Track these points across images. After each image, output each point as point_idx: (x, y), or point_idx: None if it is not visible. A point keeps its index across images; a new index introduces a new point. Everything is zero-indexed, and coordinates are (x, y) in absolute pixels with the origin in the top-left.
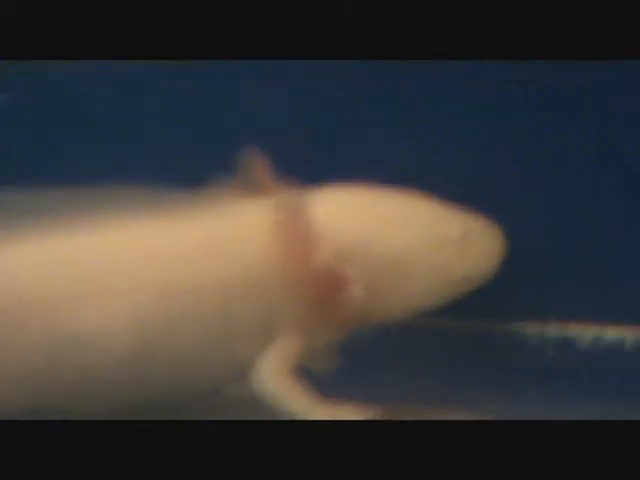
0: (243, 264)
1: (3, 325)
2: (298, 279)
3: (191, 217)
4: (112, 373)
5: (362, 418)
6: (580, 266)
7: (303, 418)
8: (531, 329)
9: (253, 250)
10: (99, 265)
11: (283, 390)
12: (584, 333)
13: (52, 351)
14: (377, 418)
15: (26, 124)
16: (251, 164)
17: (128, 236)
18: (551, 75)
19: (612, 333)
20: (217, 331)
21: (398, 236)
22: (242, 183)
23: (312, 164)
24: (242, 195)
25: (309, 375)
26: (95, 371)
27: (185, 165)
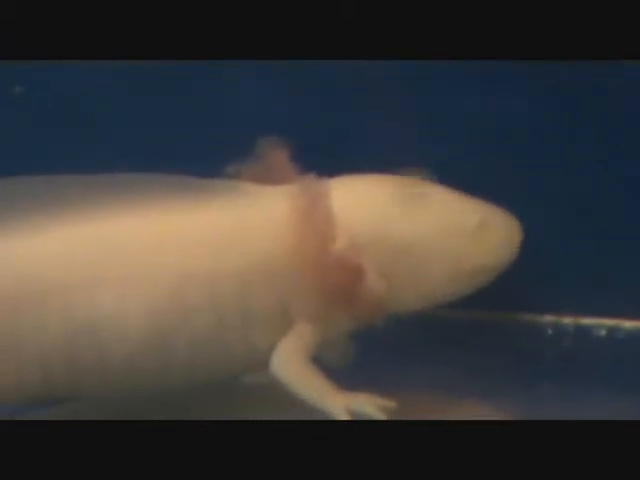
0: (260, 252)
1: (21, 311)
2: (315, 268)
3: (208, 205)
4: (128, 360)
5: (377, 407)
6: (594, 260)
7: (319, 406)
8: (547, 321)
9: (270, 238)
10: (115, 253)
11: (299, 378)
12: (599, 326)
13: (69, 337)
14: (391, 407)
15: (26, 124)
16: (270, 153)
17: (145, 224)
18: (551, 75)
19: (628, 326)
20: (234, 319)
21: (415, 226)
22: (260, 172)
23: (325, 158)
24: (260, 184)
25: (324, 365)
26: (111, 358)
27: (197, 157)
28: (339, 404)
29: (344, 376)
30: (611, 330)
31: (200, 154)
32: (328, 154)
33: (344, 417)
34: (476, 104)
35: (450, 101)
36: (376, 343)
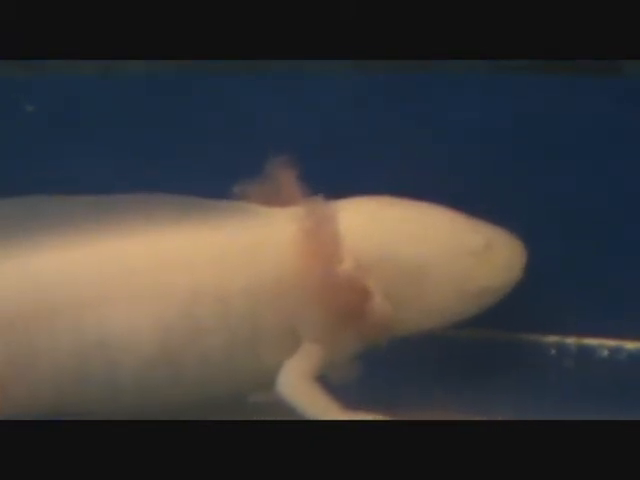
0: (269, 273)
1: (32, 330)
2: (322, 289)
3: (217, 226)
4: (138, 379)
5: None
6: (598, 279)
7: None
8: (550, 341)
9: (279, 259)
10: (126, 272)
11: (305, 398)
12: (602, 346)
13: (80, 356)
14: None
15: (27, 125)
16: (277, 174)
17: (155, 243)
18: (552, 76)
19: (631, 347)
20: (243, 338)
21: (420, 248)
22: (267, 193)
23: (333, 176)
24: (268, 204)
25: (329, 384)
26: (122, 376)
27: (206, 173)
28: None
29: (350, 395)
30: (614, 351)
31: (222, 162)
32: (328, 156)
33: None
34: (476, 106)
35: (450, 103)
36: (381, 362)
